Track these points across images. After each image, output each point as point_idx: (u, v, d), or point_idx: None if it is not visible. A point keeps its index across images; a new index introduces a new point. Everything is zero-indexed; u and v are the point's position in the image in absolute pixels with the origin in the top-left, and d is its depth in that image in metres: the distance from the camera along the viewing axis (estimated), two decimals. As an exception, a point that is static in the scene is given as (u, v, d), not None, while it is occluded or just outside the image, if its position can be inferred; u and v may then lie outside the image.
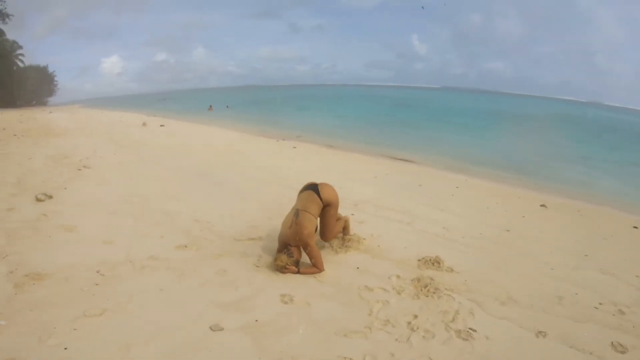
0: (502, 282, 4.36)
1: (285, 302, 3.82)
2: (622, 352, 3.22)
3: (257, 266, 4.59)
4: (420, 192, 8.22)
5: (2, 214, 5.56)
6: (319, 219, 4.90)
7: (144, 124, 18.80)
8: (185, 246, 4.93)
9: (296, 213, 4.73)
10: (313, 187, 4.86)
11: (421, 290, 4.14)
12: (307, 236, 4.56)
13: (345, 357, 3.06)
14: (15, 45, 45.08)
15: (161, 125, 18.20)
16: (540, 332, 3.43)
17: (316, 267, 4.61)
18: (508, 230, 6.09)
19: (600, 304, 4.00)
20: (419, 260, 4.78)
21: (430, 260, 4.76)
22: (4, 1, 39.31)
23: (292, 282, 4.29)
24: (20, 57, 46.24)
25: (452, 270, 4.60)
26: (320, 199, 4.77)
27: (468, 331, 3.41)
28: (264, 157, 11.11)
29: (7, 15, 40.03)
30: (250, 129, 18.45)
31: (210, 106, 35.05)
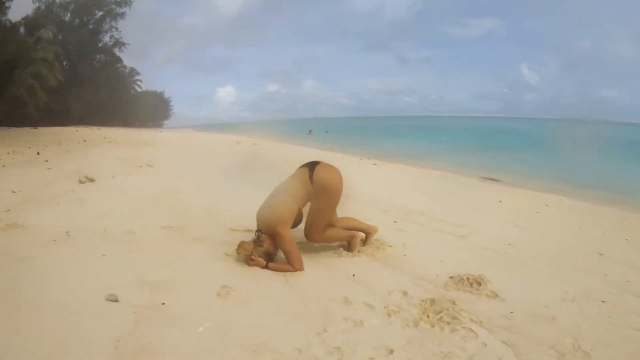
0: (573, 323, 2.62)
1: (219, 295, 2.85)
2: None
3: (227, 254, 3.59)
4: (496, 208, 6.36)
5: (40, 187, 5.97)
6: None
7: (238, 142, 19.49)
8: (171, 227, 4.32)
9: (273, 192, 3.59)
10: (310, 165, 3.58)
11: (428, 316, 2.61)
12: (277, 222, 3.35)
13: None
14: (133, 72, 50.78)
15: (254, 144, 18.52)
16: None
17: (290, 264, 3.34)
18: (601, 254, 4.15)
19: None
20: (451, 277, 3.23)
21: (468, 279, 3.17)
22: (120, 31, 43.41)
23: (249, 275, 3.25)
24: (138, 83, 51.74)
25: (495, 295, 2.96)
26: (312, 181, 3.46)
27: None
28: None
29: (123, 44, 44.23)
30: (338, 149, 17.90)
31: (310, 131, 36.04)
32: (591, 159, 15.83)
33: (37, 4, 37.52)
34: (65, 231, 3.90)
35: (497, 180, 10.15)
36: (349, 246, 3.81)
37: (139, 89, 51.66)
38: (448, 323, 2.52)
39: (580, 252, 4.26)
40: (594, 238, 4.91)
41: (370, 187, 7.53)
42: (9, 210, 4.54)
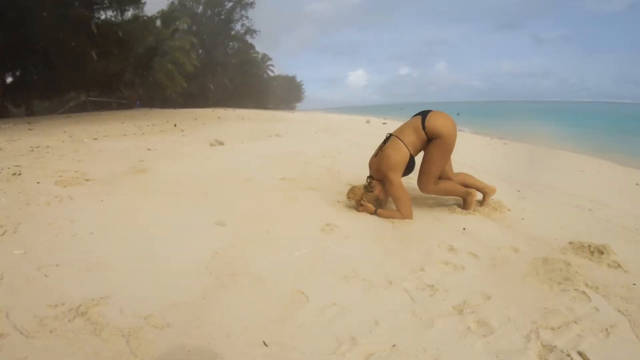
0: None
1: (322, 230, 2.95)
2: None
3: (339, 201, 3.70)
4: (632, 190, 5.66)
5: (173, 147, 6.81)
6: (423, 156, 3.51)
7: (368, 121, 19.61)
8: (290, 178, 4.62)
9: (386, 138, 3.53)
10: (423, 113, 3.47)
11: (537, 272, 2.41)
12: (389, 167, 3.32)
13: (301, 292, 2.03)
14: (265, 58, 52.82)
15: (383, 123, 18.34)
16: None
17: (399, 210, 3.29)
18: None
19: None
20: (570, 243, 2.91)
21: (589, 246, 2.81)
22: (250, 19, 45.70)
23: (356, 218, 3.29)
24: (270, 68, 53.59)
25: (618, 266, 2.60)
26: (424, 127, 3.35)
27: (567, 356, 1.65)
28: (466, 149, 9.77)
29: (254, 31, 46.47)
30: (468, 130, 17.58)
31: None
32: None
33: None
34: (189, 175, 4.41)
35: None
36: (464, 204, 3.65)
37: (271, 74, 54.12)
38: (559, 283, 2.29)
39: None
40: None
41: (498, 162, 7.26)
42: (142, 160, 5.20)
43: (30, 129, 9.69)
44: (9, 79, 20.30)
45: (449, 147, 3.38)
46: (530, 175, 5.99)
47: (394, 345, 1.62)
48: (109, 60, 19.68)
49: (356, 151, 7.35)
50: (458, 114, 37.91)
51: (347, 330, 1.71)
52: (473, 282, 2.27)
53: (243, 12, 45.49)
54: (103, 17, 21.70)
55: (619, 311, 2.06)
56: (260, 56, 52.53)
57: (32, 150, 5.99)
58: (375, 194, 3.39)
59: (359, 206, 3.40)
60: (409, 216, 3.26)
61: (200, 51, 41.92)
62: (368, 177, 3.48)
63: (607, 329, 1.86)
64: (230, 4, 44.92)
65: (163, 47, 29.62)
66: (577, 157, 9.62)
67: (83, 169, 4.49)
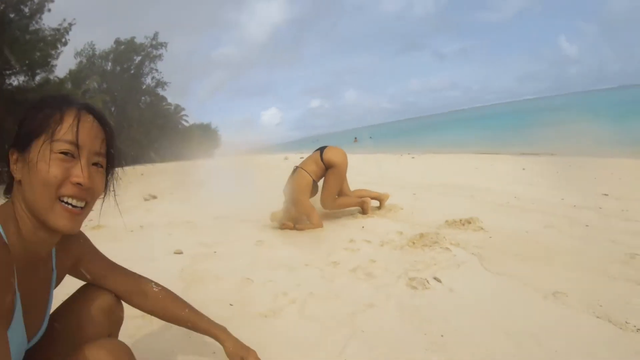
0: (549, 242, 3.16)
1: (255, 245, 3.77)
2: None
3: (264, 225, 4.57)
4: (517, 174, 7.07)
5: (110, 204, 7.34)
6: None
7: (286, 158, 20.77)
8: (223, 217, 5.33)
9: (293, 170, 4.47)
10: (320, 148, 4.46)
11: (413, 242, 3.31)
12: (297, 192, 4.24)
13: (248, 279, 2.78)
14: (178, 108, 53.05)
15: (301, 157, 19.24)
16: (557, 292, 2.17)
17: (311, 223, 4.19)
18: (606, 195, 4.69)
19: None
20: (446, 221, 3.90)
21: (460, 220, 3.82)
22: (160, 72, 46.44)
23: (280, 234, 4.18)
24: (184, 118, 53.39)
25: (481, 229, 3.61)
26: (322, 159, 4.32)
27: (425, 280, 2.50)
28: (374, 167, 10.85)
29: (165, 83, 47.25)
30: (381, 150, 19.18)
31: (355, 138, 37.80)
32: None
33: (78, 59, 40.75)
34: (139, 225, 4.90)
35: (531, 154, 10.63)
36: (362, 211, 4.59)
37: (186, 124, 53.84)
38: (429, 246, 3.21)
39: (585, 195, 4.79)
40: (606, 184, 5.37)
41: (403, 173, 8.47)
42: (91, 219, 5.67)
43: None
44: None
45: (342, 173, 4.36)
46: (429, 179, 7.15)
47: (310, 292, 2.45)
48: None
49: (276, 187, 8.23)
50: (370, 137, 40.23)
51: (280, 291, 2.51)
52: (364, 256, 3.14)
53: (152, 65, 45.56)
54: (15, 82, 21.57)
55: (473, 254, 2.98)
56: (173, 107, 52.44)
57: None
58: (292, 214, 4.26)
59: (281, 226, 4.26)
60: (319, 225, 4.16)
61: (112, 108, 41.50)
62: (284, 202, 4.37)
63: (459, 265, 2.78)
64: (139, 58, 45.07)
65: None
66: (476, 156, 11.18)
67: None
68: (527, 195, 5.04)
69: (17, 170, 0.97)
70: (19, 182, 0.98)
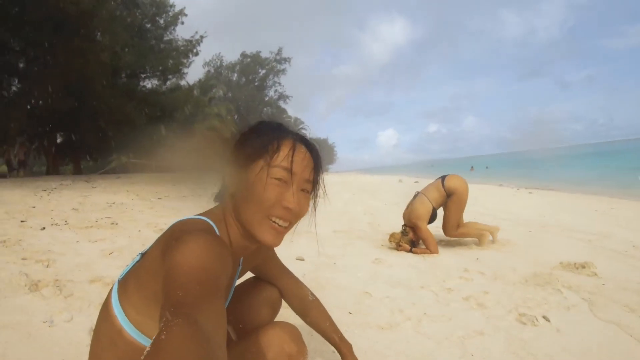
0: None
1: (373, 262, 4.08)
2: None
3: (382, 245, 4.92)
4: (636, 221, 6.70)
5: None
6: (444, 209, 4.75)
7: (400, 181, 21.55)
8: (341, 230, 5.89)
9: (415, 195, 4.76)
10: (442, 176, 4.74)
11: (526, 280, 3.47)
12: (417, 217, 4.52)
13: (367, 292, 3.14)
14: (298, 121, 54.53)
15: (415, 182, 19.38)
16: None
17: (428, 248, 4.46)
18: None
19: None
20: (561, 262, 3.95)
21: (575, 264, 3.86)
22: (283, 85, 49.41)
23: (397, 255, 4.46)
24: (303, 131, 55.01)
25: (595, 274, 3.63)
26: (444, 186, 4.59)
27: (535, 318, 2.67)
28: (492, 200, 10.70)
29: (287, 97, 50.35)
30: (496, 181, 18.82)
31: (472, 167, 38.88)
32: None
33: (207, 68, 44.22)
34: None
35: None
36: (479, 242, 4.78)
37: None
38: (541, 286, 3.34)
39: None
40: None
41: (519, 208, 8.45)
42: None
43: (93, 187, 11.00)
44: (59, 139, 22.47)
45: (463, 201, 4.60)
46: (545, 217, 7.05)
47: (425, 313, 2.75)
48: (155, 126, 21.62)
49: (391, 208, 8.54)
50: (487, 167, 39.43)
51: (397, 307, 2.84)
52: (477, 286, 3.35)
53: (276, 79, 48.47)
54: (149, 85, 24.09)
55: (583, 299, 3.06)
56: (293, 120, 54.77)
57: (110, 206, 7.11)
58: (410, 237, 4.57)
59: (398, 247, 4.58)
60: (435, 251, 4.42)
61: (235, 117, 44.42)
62: (403, 225, 4.67)
63: (569, 307, 2.89)
64: (264, 71, 47.92)
65: (201, 114, 31.87)
66: (597, 198, 10.72)
67: (170, 223, 5.56)
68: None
69: (232, 184, 1.14)
70: (232, 194, 1.14)
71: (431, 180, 4.85)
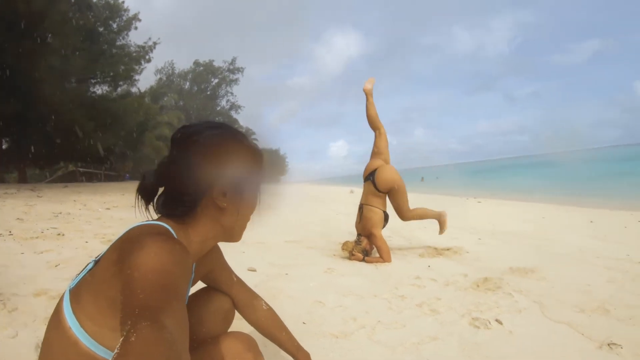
0: (608, 295, 3.21)
1: (325, 271, 3.98)
2: None
3: (334, 254, 4.84)
4: (584, 227, 7.03)
5: None
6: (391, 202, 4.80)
7: (351, 191, 21.46)
8: (293, 241, 5.77)
9: (360, 208, 4.76)
10: (370, 177, 4.74)
11: (477, 285, 3.47)
12: (372, 226, 4.52)
13: (319, 301, 3.07)
14: (249, 132, 54.45)
15: (350, 191, 19.69)
16: (612, 344, 2.28)
17: (381, 257, 4.42)
18: None
19: None
20: (510, 267, 4.02)
21: (525, 269, 3.94)
22: (235, 95, 49.35)
23: (349, 264, 4.40)
24: (254, 141, 55.05)
25: (544, 278, 3.69)
26: (378, 190, 4.63)
27: (487, 321, 2.67)
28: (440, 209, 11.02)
29: (239, 107, 50.33)
30: (447, 192, 19.34)
31: (422, 178, 39.32)
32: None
33: (159, 76, 43.39)
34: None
35: (600, 207, 10.33)
36: (439, 224, 4.87)
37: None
38: (492, 290, 3.35)
39: None
40: None
41: (468, 217, 8.60)
42: None
43: (39, 196, 10.57)
44: (4, 145, 21.32)
45: (402, 188, 4.65)
46: (494, 225, 7.23)
47: (379, 320, 2.68)
48: (104, 134, 20.92)
49: (342, 218, 8.53)
50: (437, 177, 40.49)
51: (349, 316, 2.75)
52: (430, 293, 3.32)
53: (228, 89, 48.04)
54: (99, 91, 23.26)
55: (534, 301, 3.09)
56: (244, 130, 54.46)
57: (57, 216, 6.84)
58: (363, 246, 4.53)
59: (350, 256, 4.51)
60: (388, 260, 4.39)
61: None
62: (357, 234, 4.64)
63: (520, 310, 2.90)
64: (216, 80, 47.40)
65: (152, 123, 31.18)
66: (543, 206, 11.11)
67: (118, 233, 5.27)
68: (593, 248, 5.03)
69: (224, 200, 1.16)
70: (221, 209, 1.17)
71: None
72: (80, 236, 5.01)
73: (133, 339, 0.69)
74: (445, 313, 2.86)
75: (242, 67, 48.08)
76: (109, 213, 7.96)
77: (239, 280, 1.68)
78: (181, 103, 43.97)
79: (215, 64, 47.37)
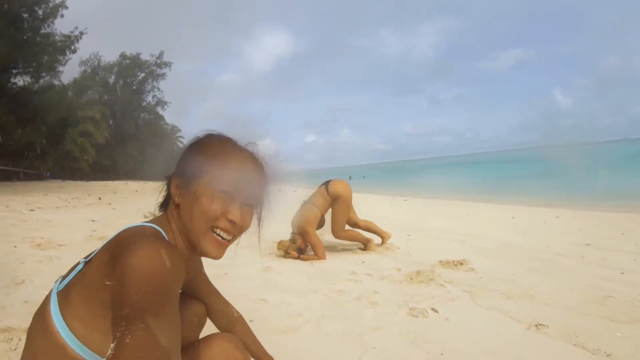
0: (532, 283, 3.49)
1: (263, 270, 4.00)
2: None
3: (270, 253, 4.83)
4: (506, 222, 7.63)
5: (112, 219, 7.52)
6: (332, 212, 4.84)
7: (279, 190, 21.37)
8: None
9: (302, 204, 4.81)
10: (325, 182, 4.83)
11: (411, 278, 3.62)
12: (306, 223, 4.56)
13: (263, 299, 3.07)
14: (175, 129, 52.92)
15: (294, 191, 19.77)
16: (539, 325, 2.50)
17: (316, 254, 4.50)
18: (589, 244, 5.18)
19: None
20: (440, 261, 4.23)
21: (453, 261, 4.16)
22: (162, 90, 46.80)
23: (286, 262, 4.44)
24: (180, 139, 52.69)
25: (472, 270, 3.95)
26: (328, 192, 4.70)
27: (424, 310, 2.81)
28: (370, 208, 11.28)
29: (165, 103, 47.71)
30: (374, 190, 20.24)
31: (350, 176, 39.18)
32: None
33: (83, 68, 40.80)
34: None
35: (520, 204, 11.21)
36: (365, 248, 4.94)
37: (181, 145, 53.50)
38: (425, 282, 3.52)
39: (569, 244, 5.27)
40: (590, 235, 5.91)
41: (396, 214, 8.99)
42: (95, 230, 5.94)
43: None
44: None
45: (348, 204, 4.72)
46: (421, 222, 7.54)
47: (322, 315, 2.74)
48: (24, 129, 19.46)
49: (273, 217, 8.54)
50: (364, 176, 41.06)
51: (293, 312, 2.80)
52: (367, 287, 3.44)
53: (155, 84, 45.63)
54: (20, 82, 21.54)
55: (465, 291, 3.30)
56: (170, 127, 52.41)
57: None
58: (298, 244, 4.57)
59: (286, 254, 4.56)
60: (323, 257, 4.48)
61: (110, 121, 41.33)
62: (292, 232, 4.66)
63: (453, 299, 3.08)
64: (142, 74, 45.18)
65: (75, 118, 29.16)
66: (467, 203, 11.75)
67: (47, 236, 4.99)
68: (515, 242, 5.45)
69: (178, 195, 1.12)
70: (177, 205, 1.13)
71: (311, 189, 4.93)
72: (7, 240, 4.73)
73: (128, 340, 0.70)
74: (384, 305, 2.98)
75: (169, 62, 45.72)
76: (34, 215, 7.50)
77: (214, 287, 1.68)
78: (105, 97, 41.34)
79: (143, 57, 44.79)
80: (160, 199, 1.26)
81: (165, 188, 1.21)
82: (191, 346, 1.33)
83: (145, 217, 7.51)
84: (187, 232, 1.12)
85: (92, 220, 7.03)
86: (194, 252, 1.16)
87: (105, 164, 37.22)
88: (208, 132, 1.21)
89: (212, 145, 1.17)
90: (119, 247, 0.93)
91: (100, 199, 12.79)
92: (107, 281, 0.90)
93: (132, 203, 11.44)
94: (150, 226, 1.07)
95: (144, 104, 46.52)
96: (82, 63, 40.79)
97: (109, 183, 27.16)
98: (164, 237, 1.05)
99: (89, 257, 1.07)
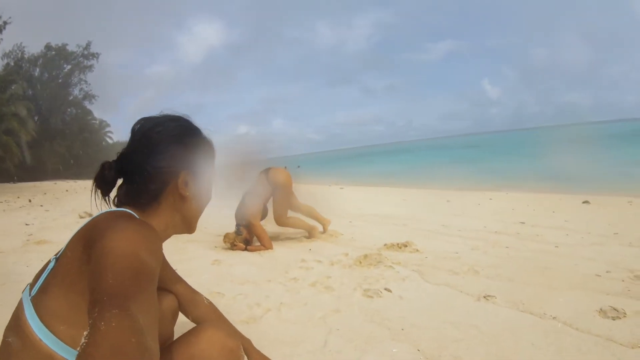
0: (475, 260, 3.72)
1: (212, 263, 3.95)
2: (614, 318, 2.28)
3: (216, 246, 4.76)
4: (443, 206, 7.98)
5: (48, 221, 7.23)
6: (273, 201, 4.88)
7: None
8: None
9: (243, 195, 4.78)
10: (264, 170, 4.85)
11: (360, 262, 3.72)
12: (250, 215, 4.55)
13: (219, 292, 3.03)
14: (104, 124, 50.24)
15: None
16: (487, 296, 2.70)
17: (263, 244, 4.51)
18: (523, 222, 5.52)
19: (607, 272, 3.15)
20: (385, 244, 4.36)
21: (397, 244, 4.31)
22: (89, 84, 43.98)
23: (234, 254, 4.40)
24: (109, 135, 50.57)
25: (416, 250, 4.12)
26: (268, 181, 4.73)
27: (379, 290, 2.92)
28: (307, 196, 11.41)
29: (93, 97, 44.72)
30: (310, 180, 19.79)
31: (285, 167, 38.84)
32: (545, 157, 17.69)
33: (5, 60, 37.81)
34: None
35: (453, 189, 11.62)
36: (309, 235, 5.00)
37: (110, 141, 50.69)
38: (374, 265, 3.64)
39: (505, 223, 5.58)
40: (522, 214, 6.33)
41: (334, 202, 8.94)
42: (31, 234, 5.59)
43: None
44: None
45: (288, 191, 4.80)
46: (360, 209, 7.70)
47: (281, 302, 2.77)
48: None
49: (213, 210, 8.43)
50: (299, 166, 41.41)
51: (252, 302, 2.80)
52: (319, 273, 3.50)
53: (82, 76, 42.72)
54: None
55: (413, 270, 3.45)
56: (98, 122, 49.66)
57: None
58: (244, 236, 4.54)
59: (232, 246, 4.52)
60: (270, 247, 4.49)
61: (36, 118, 38.60)
62: (236, 225, 4.62)
63: (403, 279, 3.22)
64: (69, 67, 42.35)
65: None
66: (402, 190, 12.12)
67: None
68: (454, 223, 5.70)
69: (186, 188, 1.17)
70: (183, 197, 1.17)
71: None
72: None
73: (102, 327, 0.67)
74: (339, 289, 3.05)
75: (97, 53, 42.73)
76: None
77: (181, 278, 1.66)
78: (30, 92, 38.41)
79: (69, 48, 41.65)
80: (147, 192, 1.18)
81: (153, 181, 1.15)
82: (178, 341, 1.28)
83: (81, 217, 7.27)
84: (190, 221, 1.25)
85: (27, 224, 6.68)
86: (182, 232, 1.26)
87: (32, 164, 34.74)
88: (177, 116, 1.26)
89: (207, 141, 1.30)
90: (94, 232, 0.91)
91: (30, 201, 12.16)
92: (85, 269, 0.87)
93: (65, 203, 10.84)
94: (124, 210, 1.08)
95: (71, 98, 43.46)
96: (5, 55, 37.61)
97: (38, 184, 25.43)
98: (140, 219, 1.03)
99: (60, 253, 1.03)
